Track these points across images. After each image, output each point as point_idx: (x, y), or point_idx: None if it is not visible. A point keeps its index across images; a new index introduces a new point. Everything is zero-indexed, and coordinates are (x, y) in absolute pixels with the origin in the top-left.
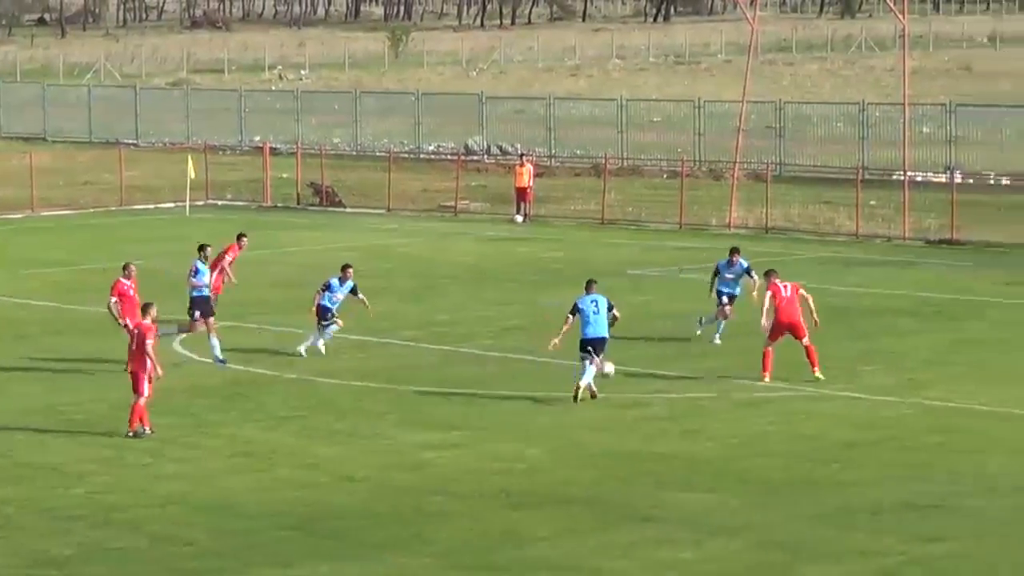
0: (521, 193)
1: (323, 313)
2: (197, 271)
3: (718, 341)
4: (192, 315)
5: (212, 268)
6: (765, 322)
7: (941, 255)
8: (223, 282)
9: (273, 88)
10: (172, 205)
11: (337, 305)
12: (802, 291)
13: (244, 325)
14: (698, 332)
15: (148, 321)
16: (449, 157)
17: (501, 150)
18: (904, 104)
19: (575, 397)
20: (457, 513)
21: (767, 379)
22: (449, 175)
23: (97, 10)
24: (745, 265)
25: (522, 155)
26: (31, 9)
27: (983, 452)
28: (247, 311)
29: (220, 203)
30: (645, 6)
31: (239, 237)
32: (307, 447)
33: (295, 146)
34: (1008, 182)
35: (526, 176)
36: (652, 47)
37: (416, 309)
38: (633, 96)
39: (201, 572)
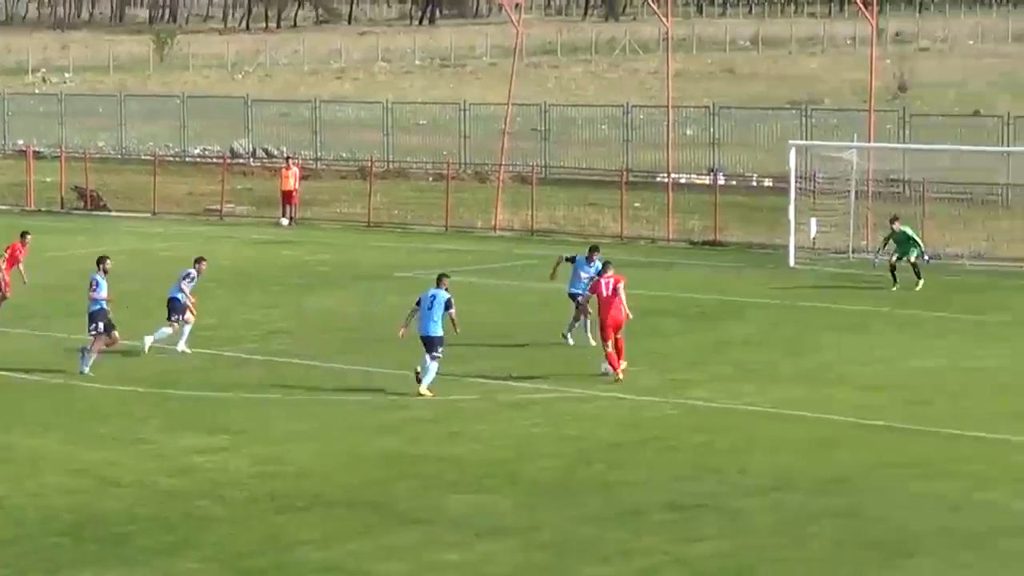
0: (287, 196)
1: (175, 306)
2: (97, 284)
3: (592, 342)
4: (96, 329)
5: (7, 267)
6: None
7: (705, 256)
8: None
9: (36, 91)
10: None
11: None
12: (620, 285)
13: (9, 331)
14: (570, 342)
15: None
16: (215, 160)
17: (267, 153)
18: (668, 107)
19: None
20: (224, 517)
21: (619, 375)
22: (215, 178)
23: None
24: (601, 265)
25: (288, 158)
26: None
27: (745, 452)
28: (10, 316)
29: None
30: (410, 9)
31: (22, 235)
32: (73, 453)
33: (59, 150)
34: (770, 183)
35: (292, 179)
36: (418, 50)
37: None
38: (399, 99)
39: None
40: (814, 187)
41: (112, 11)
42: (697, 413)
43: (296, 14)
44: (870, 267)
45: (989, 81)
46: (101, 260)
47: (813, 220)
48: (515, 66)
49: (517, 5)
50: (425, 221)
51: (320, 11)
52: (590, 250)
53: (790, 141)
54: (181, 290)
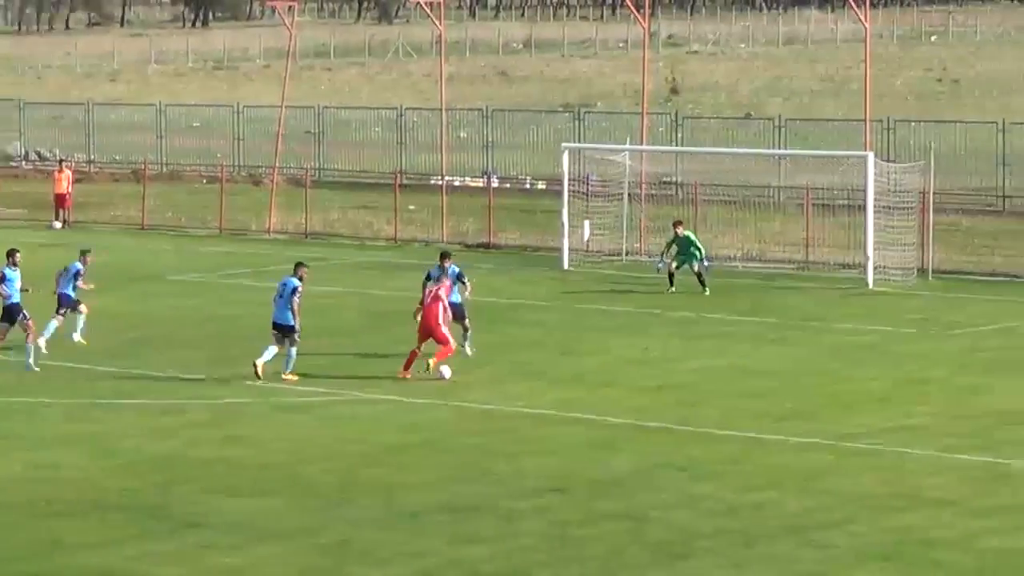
0: (60, 199)
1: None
2: (5, 278)
3: (469, 352)
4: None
5: None
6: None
7: (479, 259)
8: None
9: None
10: None
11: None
12: (442, 292)
13: None
14: (471, 353)
15: None
16: None
17: (40, 156)
18: (442, 109)
19: (255, 373)
20: None
21: (403, 375)
22: None
23: None
24: (457, 271)
25: (61, 161)
26: None
27: (519, 454)
28: None
29: None
30: (183, 11)
31: None
32: None
33: None
34: (544, 186)
35: (65, 182)
36: (191, 52)
37: None
38: (172, 101)
39: None
40: (587, 190)
41: None
42: (474, 415)
43: (68, 17)
44: (645, 269)
45: (760, 84)
46: (11, 253)
47: (586, 223)
48: (288, 68)
49: (290, 7)
50: (199, 224)
51: (92, 14)
52: (441, 257)
53: (563, 144)
54: (75, 286)
